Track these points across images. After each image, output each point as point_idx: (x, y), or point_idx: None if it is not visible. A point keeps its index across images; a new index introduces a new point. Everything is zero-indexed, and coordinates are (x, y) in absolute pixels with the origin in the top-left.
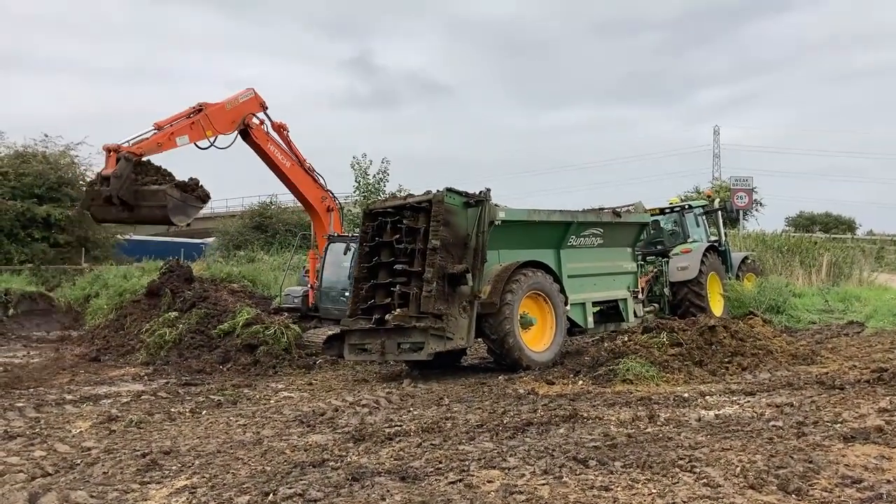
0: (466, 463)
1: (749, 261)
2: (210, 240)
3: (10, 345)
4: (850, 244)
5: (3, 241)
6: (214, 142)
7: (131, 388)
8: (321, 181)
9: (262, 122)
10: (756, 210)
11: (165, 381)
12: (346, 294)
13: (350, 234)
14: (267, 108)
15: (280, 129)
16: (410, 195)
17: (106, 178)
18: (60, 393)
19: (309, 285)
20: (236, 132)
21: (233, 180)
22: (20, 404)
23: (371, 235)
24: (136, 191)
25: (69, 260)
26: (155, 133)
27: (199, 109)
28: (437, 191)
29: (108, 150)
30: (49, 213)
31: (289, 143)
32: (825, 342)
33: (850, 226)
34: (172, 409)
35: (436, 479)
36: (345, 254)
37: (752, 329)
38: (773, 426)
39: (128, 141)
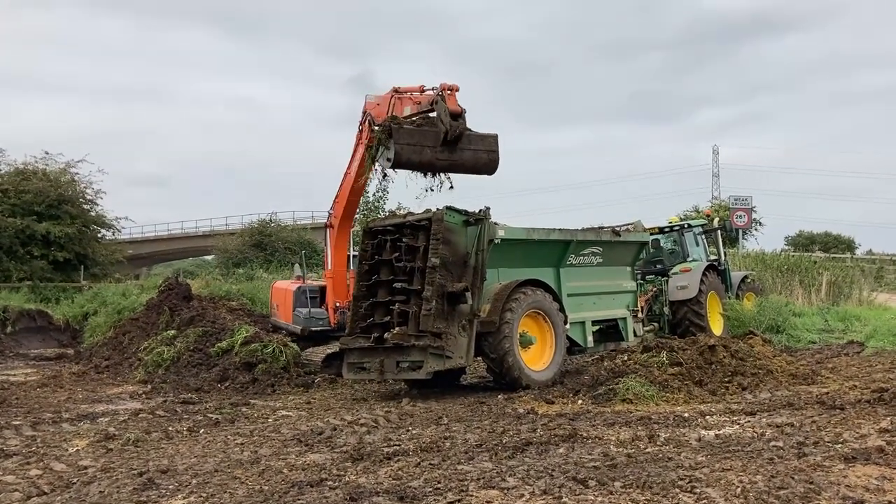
0: (465, 483)
1: (749, 280)
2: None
3: (7, 362)
4: (850, 264)
5: (2, 258)
6: None
7: (129, 407)
8: None
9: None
10: (755, 229)
11: (163, 399)
12: None
13: None
14: None
15: None
16: (410, 213)
17: (458, 114)
18: (57, 411)
19: (335, 305)
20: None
21: (233, 198)
22: (17, 422)
23: (370, 253)
24: (460, 133)
25: (68, 277)
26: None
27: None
28: (437, 209)
29: (451, 88)
30: (49, 231)
31: None
32: (825, 362)
33: (849, 245)
34: (170, 428)
35: (434, 500)
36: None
37: (751, 348)
38: (774, 446)
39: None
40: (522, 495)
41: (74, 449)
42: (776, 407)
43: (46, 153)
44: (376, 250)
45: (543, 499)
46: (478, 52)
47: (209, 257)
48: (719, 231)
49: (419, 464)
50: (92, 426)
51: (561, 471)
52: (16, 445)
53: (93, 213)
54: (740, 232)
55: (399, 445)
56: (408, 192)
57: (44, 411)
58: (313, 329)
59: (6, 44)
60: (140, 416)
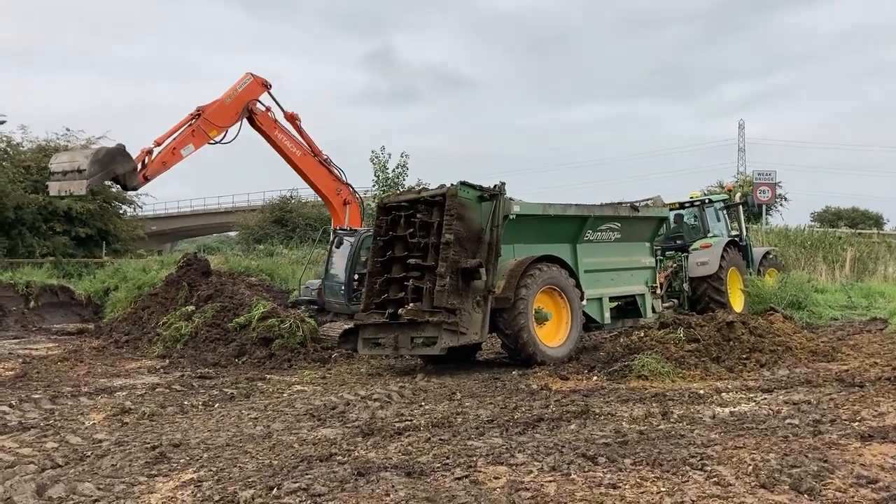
0: (474, 459)
1: (771, 256)
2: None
3: (30, 336)
4: (876, 239)
5: (25, 234)
6: (224, 138)
7: (146, 381)
8: (338, 174)
9: (268, 109)
10: (780, 205)
11: (181, 373)
12: (344, 288)
13: (349, 229)
14: (270, 86)
15: (292, 118)
16: (424, 189)
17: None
18: (77, 385)
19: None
20: (240, 122)
21: (254, 174)
22: (37, 396)
23: (385, 229)
24: None
25: (90, 253)
26: (159, 152)
27: (197, 114)
28: (451, 184)
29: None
30: (70, 207)
31: (301, 132)
32: (846, 339)
33: (877, 221)
34: (185, 402)
35: (442, 475)
36: (337, 247)
37: (771, 325)
38: (789, 424)
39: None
40: (531, 471)
41: (91, 422)
42: (794, 384)
43: (67, 130)
44: (391, 226)
45: (552, 475)
46: (498, 25)
47: (232, 233)
48: (741, 206)
49: (429, 439)
50: (109, 400)
51: (571, 447)
52: (34, 419)
53: (114, 190)
54: (764, 207)
55: (410, 420)
56: (427, 169)
57: (63, 385)
58: (302, 298)
59: (27, 20)
60: (157, 390)
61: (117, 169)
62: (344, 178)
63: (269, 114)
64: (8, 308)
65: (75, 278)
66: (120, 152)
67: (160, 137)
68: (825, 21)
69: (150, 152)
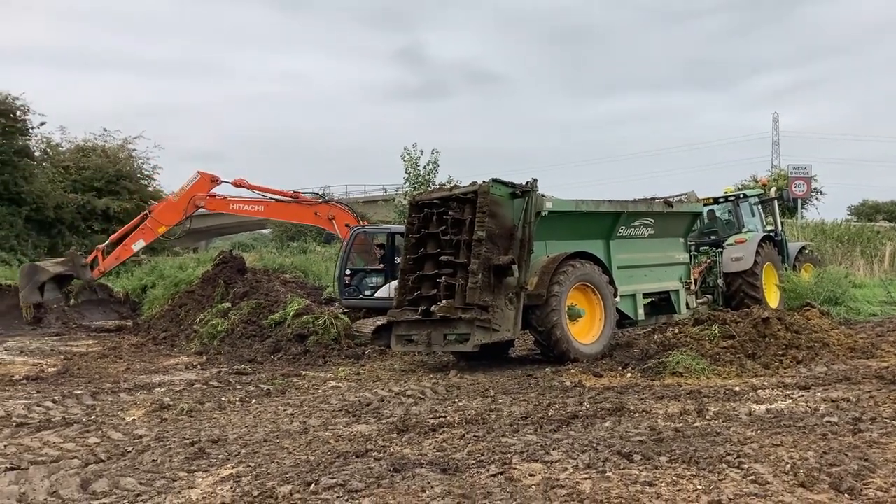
0: (509, 456)
1: (806, 251)
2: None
3: (71, 333)
4: None
5: (65, 233)
6: (188, 229)
7: (184, 377)
8: (311, 198)
9: (212, 196)
10: (816, 199)
11: (217, 370)
12: (337, 282)
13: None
14: (219, 180)
15: (240, 185)
16: (456, 186)
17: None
18: (116, 381)
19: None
20: (187, 217)
21: (288, 170)
22: (78, 392)
23: (417, 227)
24: None
25: None
26: (113, 250)
27: (147, 214)
28: (483, 181)
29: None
30: (108, 206)
31: (255, 188)
32: (886, 335)
33: None
34: (223, 398)
35: (477, 472)
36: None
37: (808, 321)
38: (828, 422)
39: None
40: (566, 469)
41: (131, 418)
42: (832, 381)
43: (105, 130)
44: (423, 224)
45: (587, 472)
46: (528, 18)
47: (266, 231)
48: (776, 201)
49: (464, 436)
50: (148, 396)
51: (606, 445)
52: (76, 414)
53: (150, 189)
54: (799, 202)
55: (445, 417)
56: (458, 164)
57: (103, 381)
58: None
59: (65, 21)
60: (195, 386)
61: (40, 277)
62: (320, 199)
63: (215, 198)
64: (49, 305)
65: (113, 276)
66: (40, 266)
67: (115, 235)
68: (861, 11)
69: (101, 250)
